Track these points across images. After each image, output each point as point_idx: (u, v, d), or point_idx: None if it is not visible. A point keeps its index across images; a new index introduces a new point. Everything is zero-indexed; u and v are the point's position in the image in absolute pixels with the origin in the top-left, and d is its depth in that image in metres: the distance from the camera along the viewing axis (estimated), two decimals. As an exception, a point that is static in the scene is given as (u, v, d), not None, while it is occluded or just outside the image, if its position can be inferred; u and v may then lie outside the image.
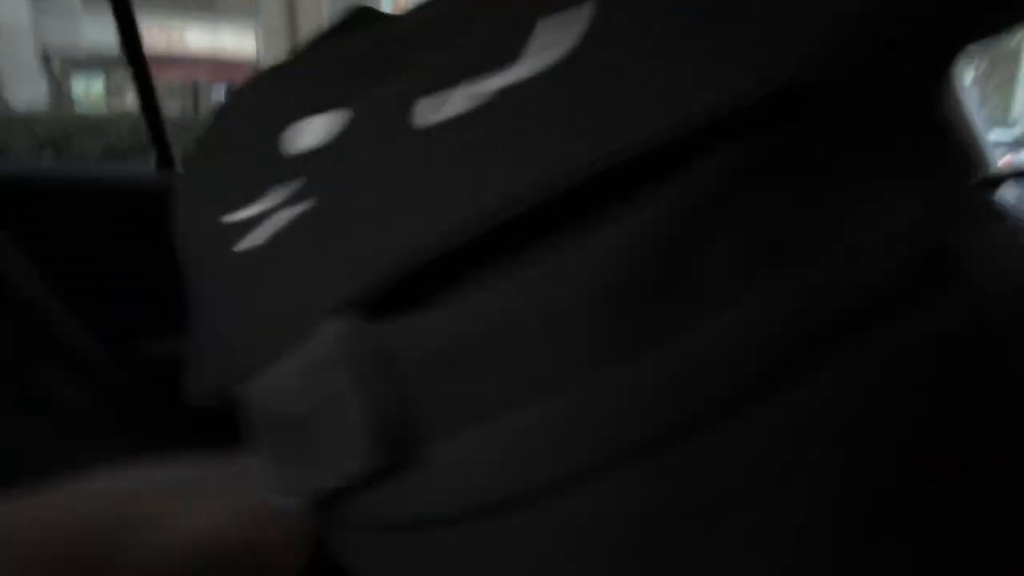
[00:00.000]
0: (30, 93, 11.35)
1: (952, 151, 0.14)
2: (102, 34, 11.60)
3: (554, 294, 0.11)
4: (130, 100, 12.51)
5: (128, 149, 6.69)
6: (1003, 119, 9.12)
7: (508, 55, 0.12)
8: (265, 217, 0.14)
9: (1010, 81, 9.56)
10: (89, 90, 13.27)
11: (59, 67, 12.73)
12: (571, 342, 0.11)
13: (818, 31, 0.10)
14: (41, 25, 11.90)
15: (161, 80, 12.57)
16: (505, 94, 0.11)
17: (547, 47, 0.11)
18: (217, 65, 13.73)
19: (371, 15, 0.21)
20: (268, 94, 0.18)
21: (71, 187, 1.07)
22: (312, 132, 0.14)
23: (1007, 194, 1.17)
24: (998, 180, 1.12)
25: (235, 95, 0.19)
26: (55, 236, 1.00)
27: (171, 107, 13.09)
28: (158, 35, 12.37)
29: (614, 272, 0.11)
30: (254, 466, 0.20)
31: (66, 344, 0.91)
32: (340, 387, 0.12)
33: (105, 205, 1.06)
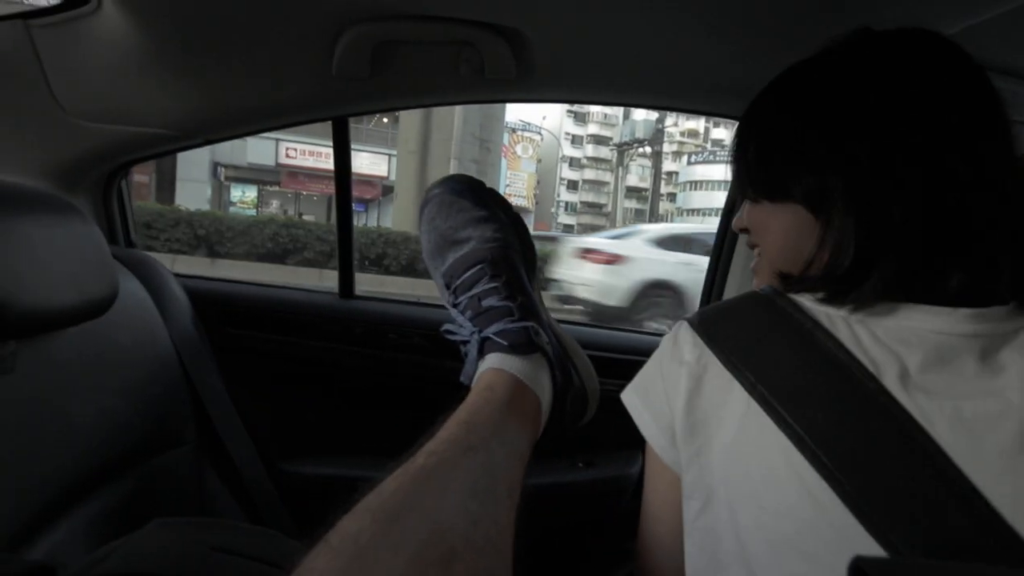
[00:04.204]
0: (198, 199, 13.55)
1: None
2: (261, 154, 15.56)
3: None
4: (274, 208, 16.79)
5: (266, 252, 7.61)
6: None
7: None
8: None
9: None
10: (244, 197, 17.14)
11: (224, 178, 16.31)
12: None
13: None
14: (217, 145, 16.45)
15: (308, 190, 16.91)
16: None
17: None
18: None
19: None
20: None
21: (264, 304, 1.13)
22: None
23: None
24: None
25: None
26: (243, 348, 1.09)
27: (308, 212, 16.81)
28: (307, 154, 15.66)
29: None
30: None
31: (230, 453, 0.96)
32: None
33: (291, 324, 1.11)
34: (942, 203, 0.39)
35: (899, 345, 0.38)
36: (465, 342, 0.54)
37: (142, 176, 11.69)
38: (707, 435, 0.41)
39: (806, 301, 0.43)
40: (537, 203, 29.62)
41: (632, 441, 0.52)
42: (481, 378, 0.50)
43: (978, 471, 0.33)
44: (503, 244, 0.56)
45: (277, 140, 15.53)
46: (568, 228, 35.84)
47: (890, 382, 0.36)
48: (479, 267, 0.55)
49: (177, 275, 1.07)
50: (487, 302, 0.53)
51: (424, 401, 0.67)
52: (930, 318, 0.38)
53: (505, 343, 0.51)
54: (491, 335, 0.52)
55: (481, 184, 0.61)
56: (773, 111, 0.49)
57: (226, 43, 0.79)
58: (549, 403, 0.52)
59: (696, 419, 0.41)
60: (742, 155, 0.51)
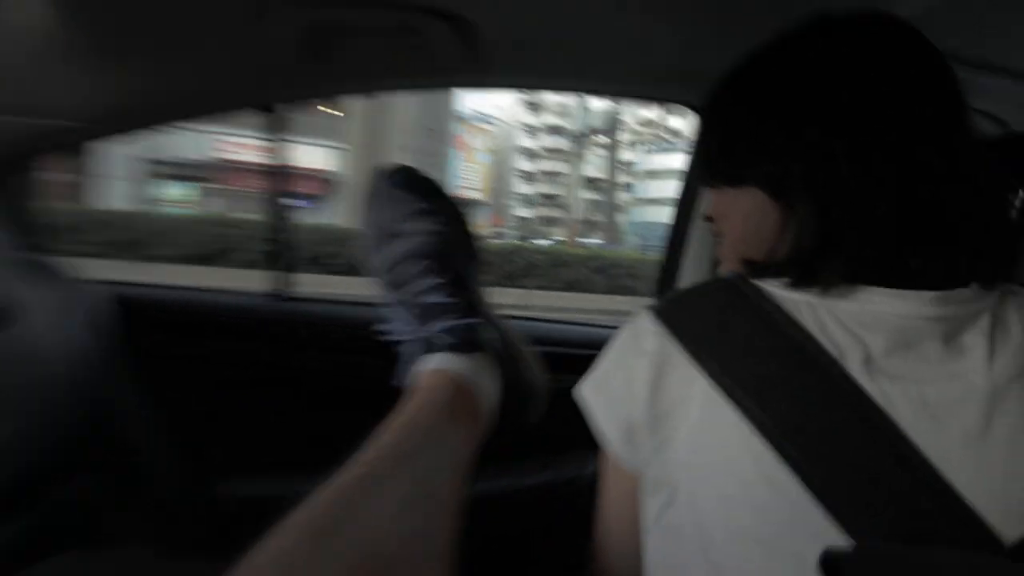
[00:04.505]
0: (116, 197, 12.53)
1: None
2: (197, 149, 14.04)
3: None
4: (212, 206, 15.95)
5: (200, 254, 7.07)
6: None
7: None
8: None
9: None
10: (178, 195, 15.58)
11: (154, 175, 14.81)
12: None
13: None
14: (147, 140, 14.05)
15: (244, 187, 16.52)
16: None
17: None
18: (295, 178, 16.98)
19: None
20: None
21: (190, 309, 1.04)
22: None
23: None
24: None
25: None
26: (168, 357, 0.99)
27: (252, 210, 16.41)
28: (250, 148, 13.82)
29: None
30: None
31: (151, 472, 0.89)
32: None
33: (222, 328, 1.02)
34: (897, 182, 0.39)
35: (863, 329, 0.38)
36: (402, 342, 0.52)
37: (62, 174, 11.00)
38: (671, 426, 0.40)
39: (770, 287, 0.42)
40: (494, 195, 29.59)
41: (587, 440, 0.51)
42: (421, 379, 0.48)
43: (941, 456, 0.33)
44: (445, 238, 0.54)
45: (215, 134, 14.81)
46: (524, 221, 35.98)
47: (854, 367, 0.36)
48: (419, 262, 0.52)
49: (98, 281, 0.99)
50: (428, 299, 0.51)
51: (365, 405, 0.63)
52: (894, 301, 0.38)
53: (447, 342, 0.49)
54: (432, 334, 0.50)
55: (424, 175, 0.59)
56: (732, 101, 0.49)
57: (141, 23, 0.72)
58: (495, 403, 0.50)
59: (660, 411, 0.40)
60: (704, 146, 0.51)
